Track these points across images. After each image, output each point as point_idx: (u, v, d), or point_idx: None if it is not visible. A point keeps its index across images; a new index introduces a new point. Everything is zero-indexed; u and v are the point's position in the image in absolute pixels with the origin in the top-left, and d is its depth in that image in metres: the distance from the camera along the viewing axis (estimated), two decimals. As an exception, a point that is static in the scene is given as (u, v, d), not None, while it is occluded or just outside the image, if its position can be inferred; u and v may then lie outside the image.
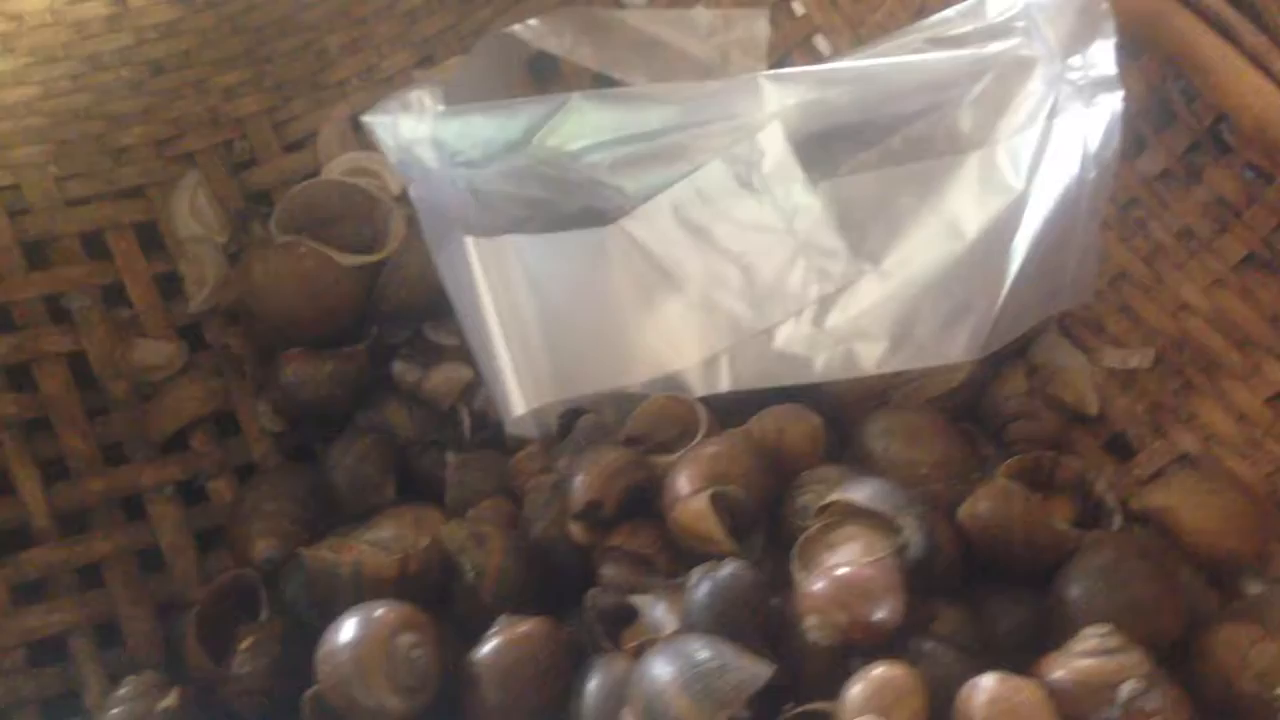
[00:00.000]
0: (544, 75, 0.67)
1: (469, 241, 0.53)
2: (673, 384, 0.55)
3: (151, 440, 0.58)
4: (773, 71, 0.54)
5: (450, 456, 0.56)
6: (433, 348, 0.60)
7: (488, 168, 0.56)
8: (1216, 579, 0.48)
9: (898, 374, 0.53)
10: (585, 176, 0.56)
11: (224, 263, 0.62)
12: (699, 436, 0.50)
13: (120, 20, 0.63)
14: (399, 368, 0.59)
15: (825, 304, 0.53)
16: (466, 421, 0.58)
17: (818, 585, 0.41)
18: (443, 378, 0.58)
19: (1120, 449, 0.54)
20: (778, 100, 0.54)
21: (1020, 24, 0.51)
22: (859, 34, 0.63)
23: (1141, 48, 0.54)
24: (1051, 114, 0.51)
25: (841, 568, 0.42)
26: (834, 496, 0.44)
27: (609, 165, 0.56)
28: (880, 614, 0.41)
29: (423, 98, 0.55)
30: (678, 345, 0.55)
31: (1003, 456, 0.53)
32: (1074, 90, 0.51)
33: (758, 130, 0.54)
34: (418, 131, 0.55)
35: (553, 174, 0.56)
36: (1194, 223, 0.54)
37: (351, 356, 0.58)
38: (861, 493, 0.44)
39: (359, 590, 0.46)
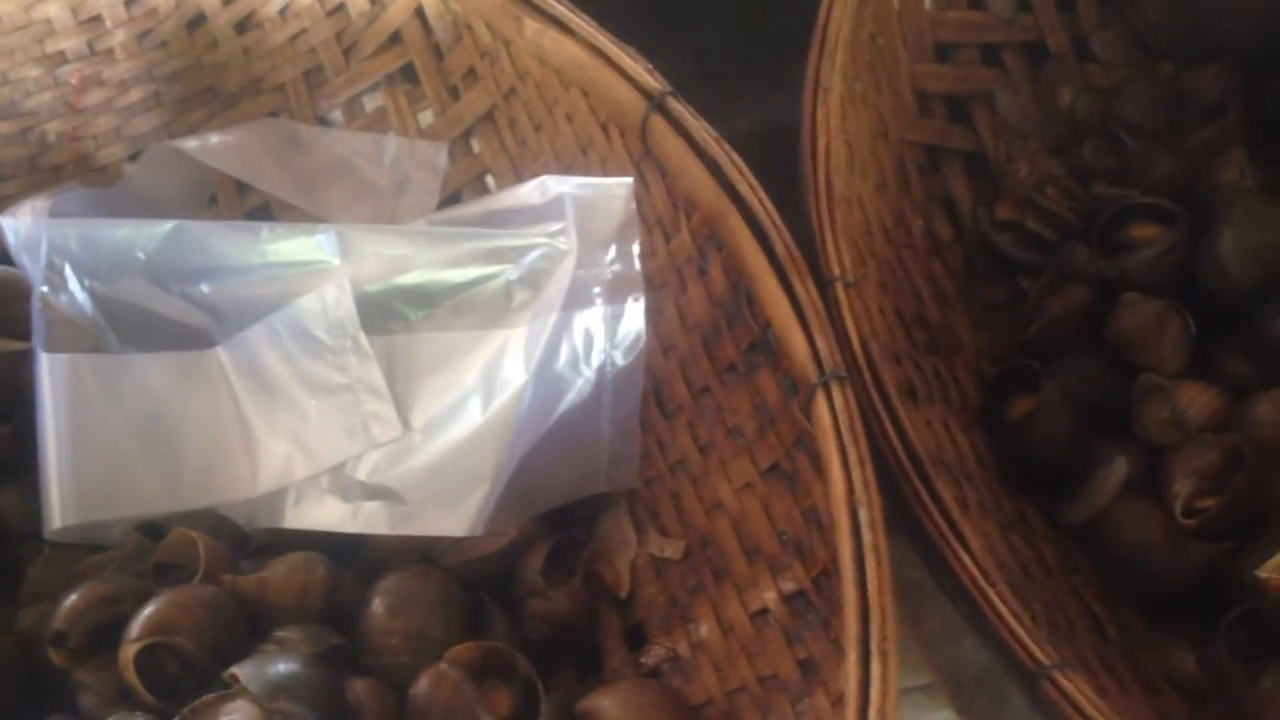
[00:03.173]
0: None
1: (42, 356, 0.55)
2: (239, 513, 0.57)
3: None
4: (350, 225, 0.55)
5: (47, 549, 0.58)
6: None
7: (103, 281, 0.58)
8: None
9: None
10: (190, 301, 0.58)
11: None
12: (197, 577, 0.52)
13: None
14: (45, 451, 0.61)
15: (368, 459, 0.55)
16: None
17: (173, 758, 0.43)
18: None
19: (637, 638, 0.54)
20: (351, 253, 0.55)
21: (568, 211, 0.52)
22: (521, 177, 0.64)
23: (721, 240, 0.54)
24: (574, 304, 0.51)
25: (207, 743, 0.43)
26: (233, 669, 0.45)
27: (209, 293, 0.58)
28: (228, 795, 0.42)
29: (37, 205, 0.58)
30: (241, 476, 0.57)
31: (517, 631, 0.53)
32: (599, 284, 0.51)
33: (329, 280, 0.55)
34: (35, 238, 0.58)
35: (160, 295, 0.58)
36: (744, 421, 0.54)
37: (-14, 439, 0.61)
38: (253, 668, 0.45)
39: None
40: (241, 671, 0.45)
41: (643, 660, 0.53)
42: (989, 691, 0.54)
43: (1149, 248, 0.58)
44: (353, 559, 0.56)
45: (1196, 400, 0.55)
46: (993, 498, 0.54)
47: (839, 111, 0.54)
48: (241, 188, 0.70)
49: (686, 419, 0.56)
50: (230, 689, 0.46)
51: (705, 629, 0.52)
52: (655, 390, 0.58)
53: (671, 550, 0.54)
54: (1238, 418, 0.53)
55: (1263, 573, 0.46)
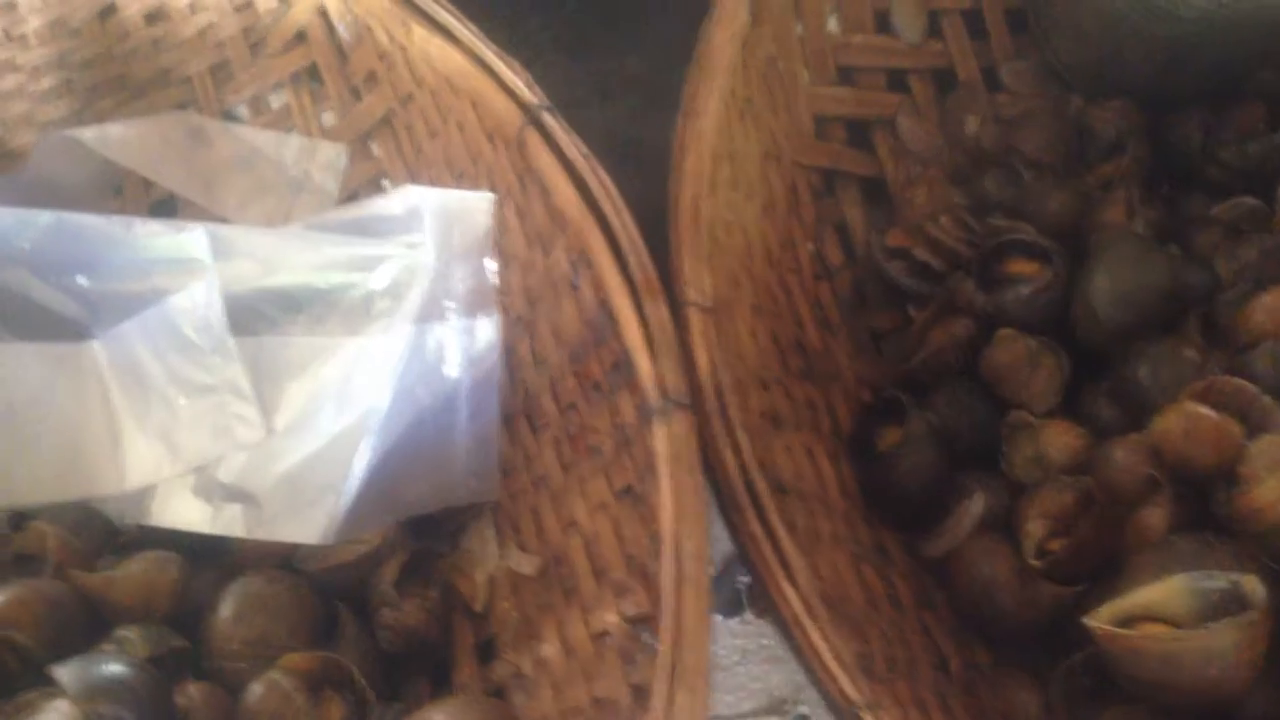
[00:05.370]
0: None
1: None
2: (110, 508, 0.57)
3: None
4: (218, 225, 0.55)
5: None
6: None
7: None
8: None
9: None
10: (68, 293, 0.58)
11: None
12: (48, 572, 0.52)
13: None
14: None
15: (231, 461, 0.55)
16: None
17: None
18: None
19: (490, 652, 0.54)
20: (221, 252, 0.55)
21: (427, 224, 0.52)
22: (416, 183, 0.64)
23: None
24: (430, 316, 0.51)
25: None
26: (54, 668, 0.46)
27: (87, 287, 0.58)
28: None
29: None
30: (110, 472, 0.57)
31: (371, 641, 0.53)
32: (455, 298, 0.51)
33: (200, 278, 0.55)
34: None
35: (40, 285, 0.58)
36: (603, 441, 0.53)
37: None
38: (77, 668, 0.45)
39: None
40: (63, 671, 0.45)
41: (489, 675, 0.53)
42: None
43: (1026, 284, 0.57)
44: (219, 559, 0.56)
45: (1059, 440, 0.55)
46: (850, 528, 0.54)
47: (714, 134, 0.54)
48: (147, 179, 0.70)
49: (552, 435, 0.56)
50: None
51: (549, 648, 0.52)
52: (525, 405, 0.58)
53: (529, 566, 0.54)
54: (1095, 461, 0.53)
55: (1091, 620, 0.45)
